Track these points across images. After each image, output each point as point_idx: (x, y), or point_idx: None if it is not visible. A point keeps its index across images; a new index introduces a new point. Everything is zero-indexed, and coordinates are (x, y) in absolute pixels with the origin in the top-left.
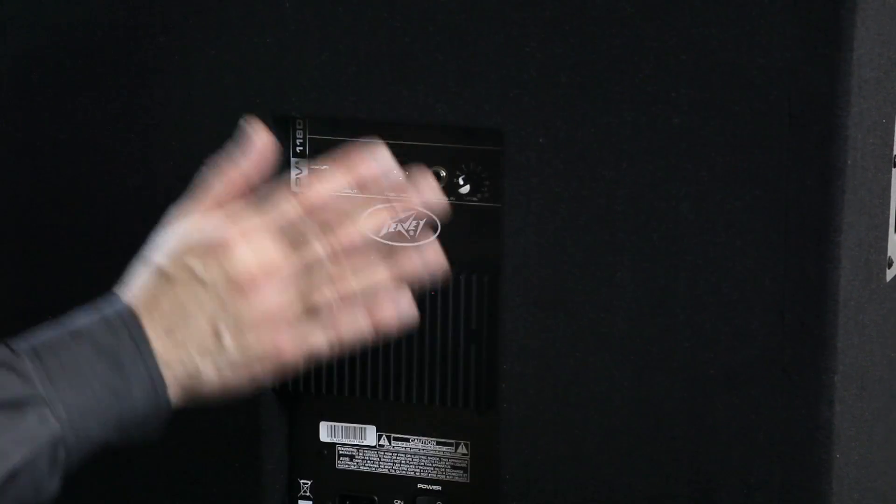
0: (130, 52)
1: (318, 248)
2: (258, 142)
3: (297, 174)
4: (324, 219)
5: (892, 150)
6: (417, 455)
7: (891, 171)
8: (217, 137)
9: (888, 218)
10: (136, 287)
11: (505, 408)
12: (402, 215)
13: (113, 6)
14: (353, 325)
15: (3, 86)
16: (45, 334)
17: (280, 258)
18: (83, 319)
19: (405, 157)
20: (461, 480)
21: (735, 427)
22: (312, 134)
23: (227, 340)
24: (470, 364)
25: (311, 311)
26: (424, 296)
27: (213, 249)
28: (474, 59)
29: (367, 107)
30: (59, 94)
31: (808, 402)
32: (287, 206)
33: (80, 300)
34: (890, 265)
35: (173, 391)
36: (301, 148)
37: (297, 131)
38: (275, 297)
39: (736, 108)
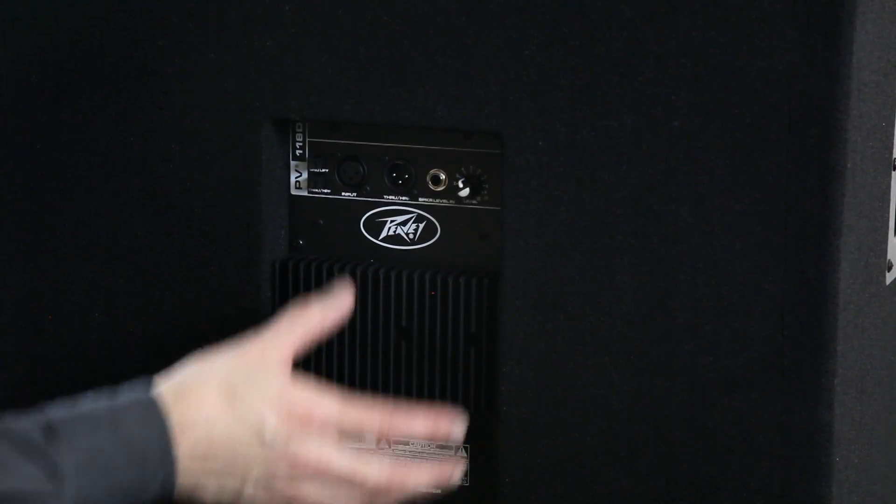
0: (130, 54)
1: (372, 471)
2: (345, 303)
3: (295, 177)
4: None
5: (891, 152)
6: (417, 458)
7: (890, 173)
8: (217, 140)
9: (888, 221)
10: (194, 396)
11: (504, 410)
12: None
13: (112, 9)
14: None
15: (3, 88)
16: (87, 420)
17: (337, 463)
18: (128, 414)
19: (405, 160)
20: (461, 483)
21: (735, 430)
22: (312, 137)
23: (247, 497)
24: (469, 367)
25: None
26: (424, 298)
27: (293, 420)
28: (474, 61)
29: (366, 110)
30: (59, 97)
31: (808, 405)
32: (363, 417)
33: (81, 303)
34: (889, 268)
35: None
36: (300, 151)
37: (297, 134)
38: (311, 490)
39: (736, 111)
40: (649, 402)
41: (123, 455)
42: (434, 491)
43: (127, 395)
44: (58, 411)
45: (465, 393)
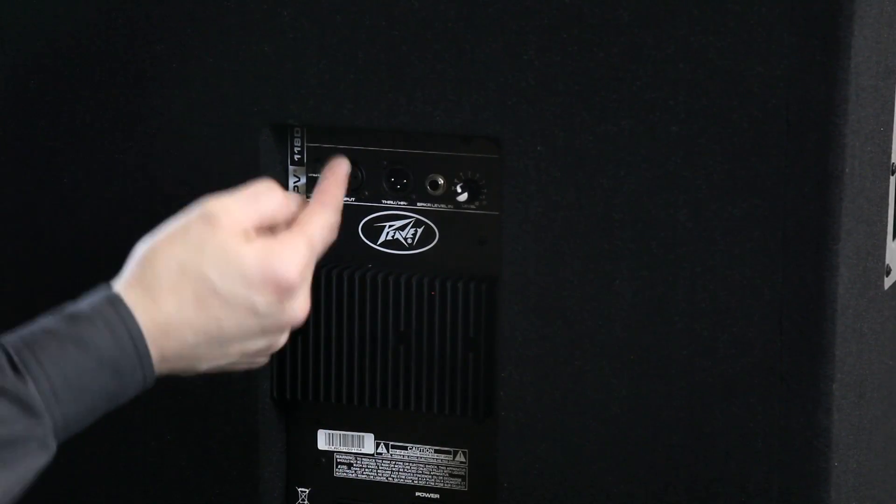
0: (128, 60)
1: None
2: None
3: (294, 182)
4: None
5: (889, 157)
6: (415, 463)
7: (889, 178)
8: (215, 145)
9: (886, 225)
10: (161, 298)
11: (503, 415)
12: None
13: (111, 14)
14: None
15: (2, 93)
16: (50, 342)
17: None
18: (93, 327)
19: (404, 165)
20: (459, 488)
21: (733, 434)
22: (310, 142)
23: (234, 357)
24: (468, 372)
25: None
26: (423, 303)
27: (272, 288)
28: (472, 66)
29: (365, 115)
30: (57, 102)
31: (807, 410)
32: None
33: None
34: (888, 273)
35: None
36: (299, 156)
37: (295, 139)
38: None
39: (734, 116)
40: (648, 407)
41: (96, 371)
42: (433, 497)
43: (87, 304)
44: (16, 341)
45: (464, 398)
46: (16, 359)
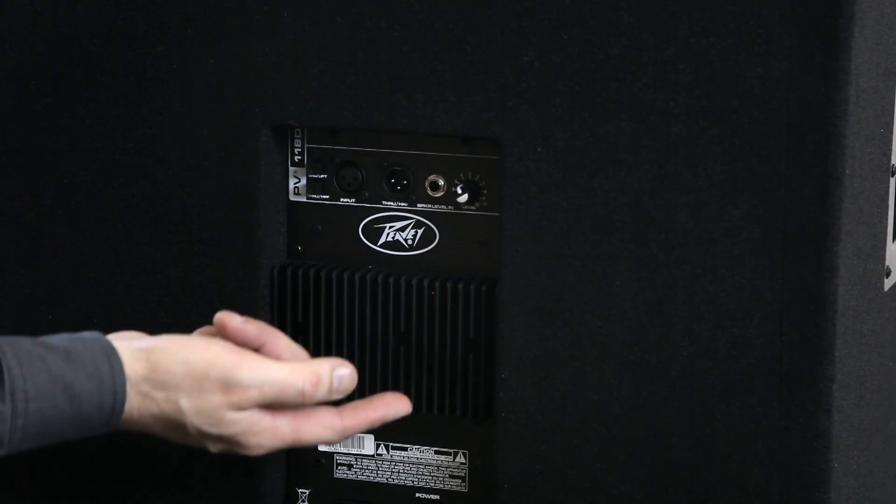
0: (129, 61)
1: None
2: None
3: (294, 183)
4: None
5: (889, 158)
6: (415, 464)
7: (889, 179)
8: (215, 145)
9: (886, 227)
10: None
11: (503, 417)
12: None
13: (111, 15)
14: None
15: (2, 95)
16: (44, 374)
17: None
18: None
19: (404, 166)
20: (459, 489)
21: (733, 436)
22: (310, 143)
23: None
24: (468, 373)
25: None
26: (423, 304)
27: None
28: (473, 67)
29: (365, 116)
30: (58, 103)
31: (807, 411)
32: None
33: (80, 308)
34: (888, 274)
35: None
36: (299, 157)
37: (296, 140)
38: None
39: (734, 117)
40: (648, 408)
41: (71, 419)
42: (433, 497)
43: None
44: (11, 346)
45: (464, 399)
46: (6, 357)
